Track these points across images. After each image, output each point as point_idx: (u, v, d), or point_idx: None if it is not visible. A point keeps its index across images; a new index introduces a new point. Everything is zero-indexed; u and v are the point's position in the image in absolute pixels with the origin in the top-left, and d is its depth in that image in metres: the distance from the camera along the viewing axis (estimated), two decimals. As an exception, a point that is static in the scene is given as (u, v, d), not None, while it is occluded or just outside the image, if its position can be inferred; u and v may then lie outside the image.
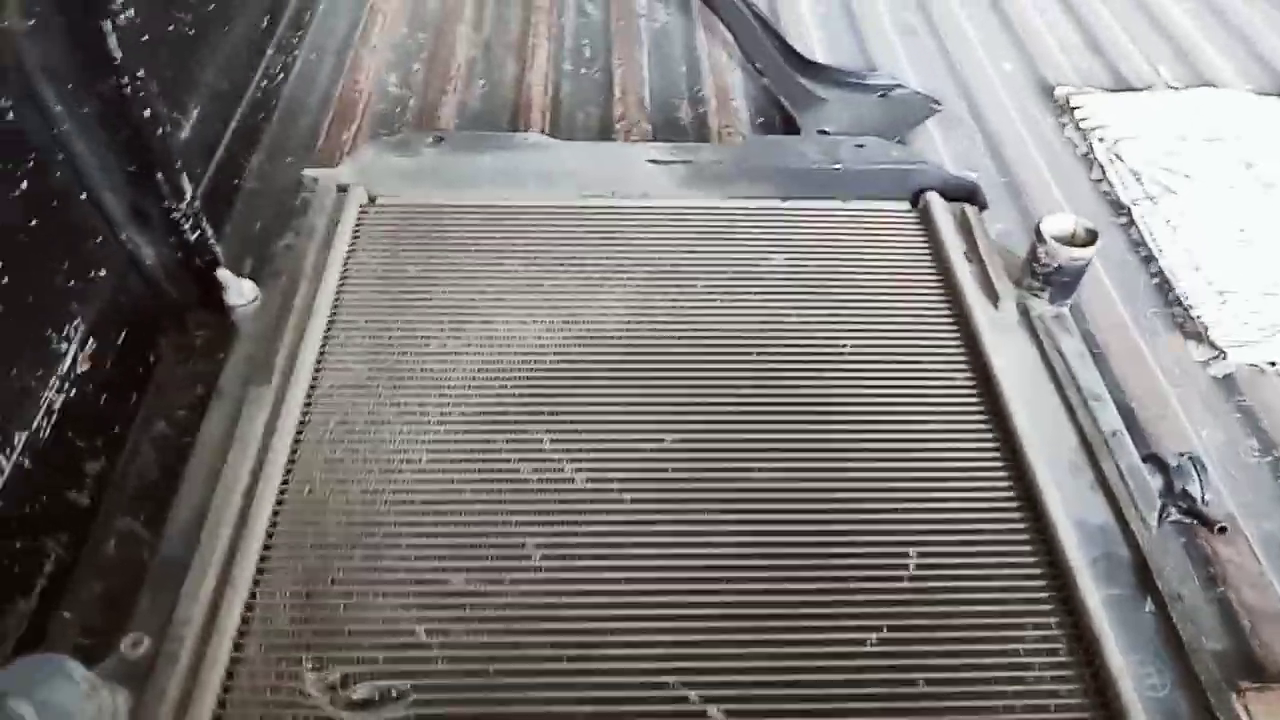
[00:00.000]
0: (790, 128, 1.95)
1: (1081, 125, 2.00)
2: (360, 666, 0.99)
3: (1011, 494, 1.18)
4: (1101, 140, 1.95)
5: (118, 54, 1.16)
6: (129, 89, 1.19)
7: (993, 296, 1.41)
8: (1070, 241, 1.37)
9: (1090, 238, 1.36)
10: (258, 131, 1.81)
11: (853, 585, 1.08)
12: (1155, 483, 1.21)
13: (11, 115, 1.10)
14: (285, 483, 1.15)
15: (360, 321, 1.35)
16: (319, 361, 1.28)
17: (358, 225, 1.49)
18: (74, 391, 1.18)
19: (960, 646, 1.03)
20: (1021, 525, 1.15)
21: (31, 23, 1.10)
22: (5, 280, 1.07)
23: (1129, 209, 1.80)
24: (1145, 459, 1.24)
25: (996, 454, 1.23)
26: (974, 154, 1.94)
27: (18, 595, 1.06)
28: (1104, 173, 1.89)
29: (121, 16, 1.15)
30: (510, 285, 1.41)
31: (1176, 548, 1.31)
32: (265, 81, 1.85)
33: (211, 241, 1.39)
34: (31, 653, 0.94)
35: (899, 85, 2.04)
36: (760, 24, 2.16)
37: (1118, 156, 1.91)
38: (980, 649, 1.03)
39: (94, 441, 1.21)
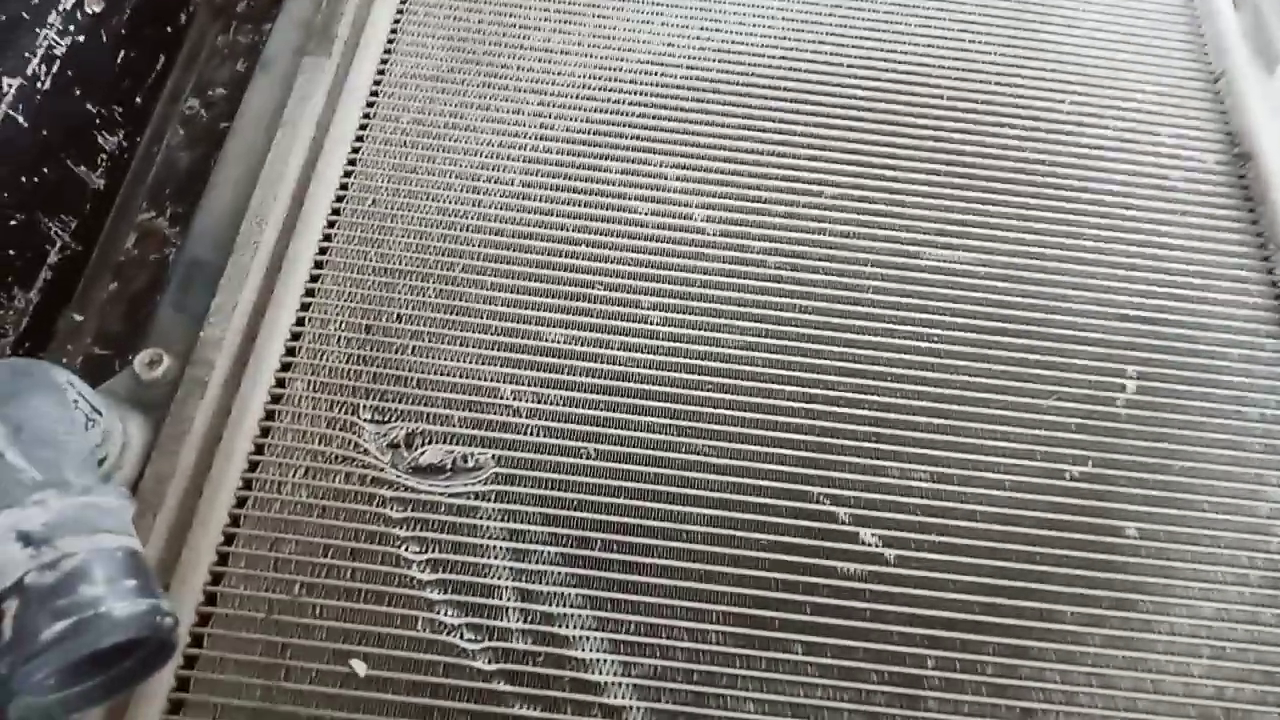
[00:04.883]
0: None
1: None
2: (431, 425, 0.79)
3: (1269, 311, 0.91)
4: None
5: None
6: None
7: (1269, 57, 1.07)
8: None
9: None
10: None
11: (1054, 403, 0.85)
12: None
13: None
14: (344, 187, 0.91)
15: (445, -3, 1.05)
16: (391, 39, 1.00)
17: None
18: (82, 38, 0.92)
19: (1182, 494, 0.81)
20: (1277, 355, 0.89)
21: None
22: None
23: None
24: None
25: (1251, 261, 0.95)
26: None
27: (14, 284, 0.86)
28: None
29: None
30: (636, -28, 1.09)
31: None
32: None
33: None
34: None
35: None
36: None
37: None
38: (1207, 499, 0.81)
39: (109, 109, 0.97)
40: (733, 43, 1.05)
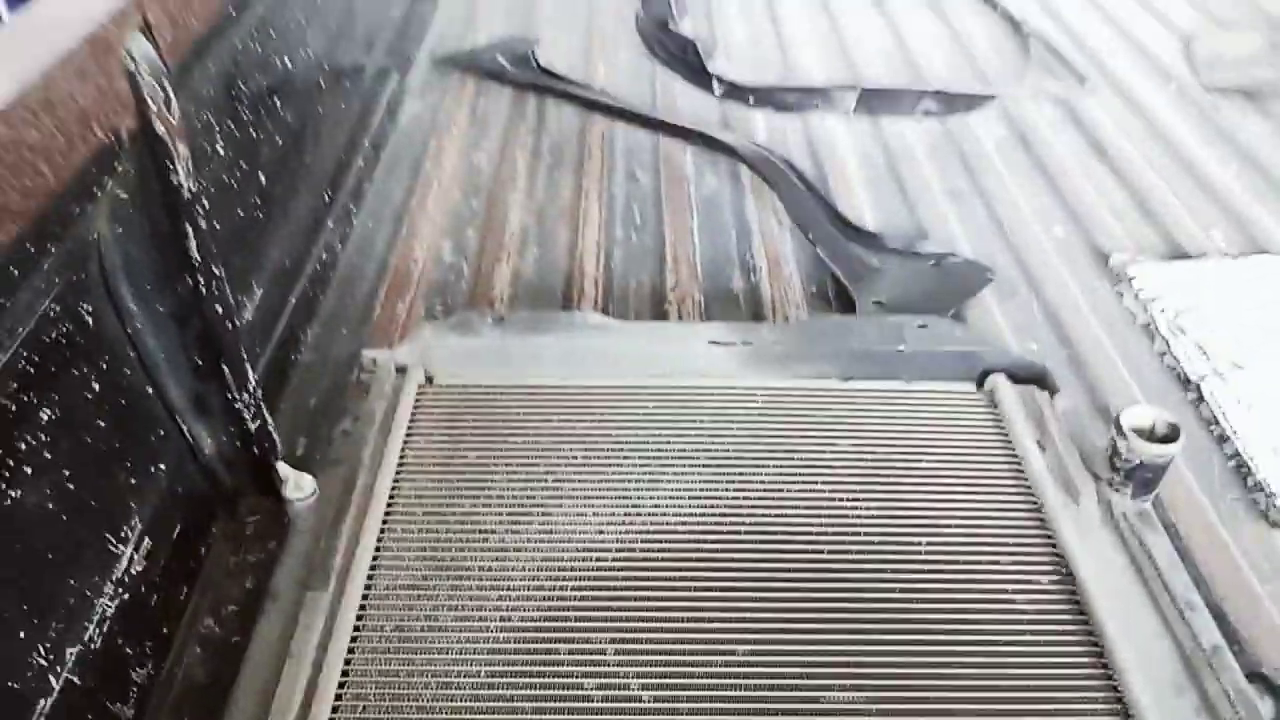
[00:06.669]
0: (843, 294, 1.95)
1: (1140, 295, 1.98)
2: None
3: (1114, 718, 1.09)
4: (1163, 311, 1.92)
5: (197, 256, 1.17)
6: (204, 288, 1.20)
7: (1072, 491, 1.35)
8: (1150, 436, 1.32)
9: (1172, 433, 1.31)
10: (314, 303, 1.83)
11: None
12: (1266, 708, 1.12)
13: (90, 319, 1.10)
14: (339, 698, 1.09)
15: (418, 514, 1.32)
16: (375, 559, 1.25)
17: (415, 407, 1.48)
18: (127, 595, 1.14)
19: None
20: (1127, 760, 1.06)
21: (120, 229, 1.12)
22: (71, 486, 1.05)
23: (1197, 385, 1.76)
24: (1250, 677, 1.15)
25: (1089, 670, 1.15)
26: (1032, 325, 1.92)
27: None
28: (1168, 346, 1.85)
29: (202, 220, 1.17)
30: (570, 472, 1.38)
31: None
32: (325, 254, 1.89)
33: (271, 429, 1.37)
34: None
35: (951, 254, 2.04)
36: (809, 191, 2.20)
37: (1180, 329, 1.88)
38: None
39: (143, 647, 1.17)
40: (653, 526, 1.31)
